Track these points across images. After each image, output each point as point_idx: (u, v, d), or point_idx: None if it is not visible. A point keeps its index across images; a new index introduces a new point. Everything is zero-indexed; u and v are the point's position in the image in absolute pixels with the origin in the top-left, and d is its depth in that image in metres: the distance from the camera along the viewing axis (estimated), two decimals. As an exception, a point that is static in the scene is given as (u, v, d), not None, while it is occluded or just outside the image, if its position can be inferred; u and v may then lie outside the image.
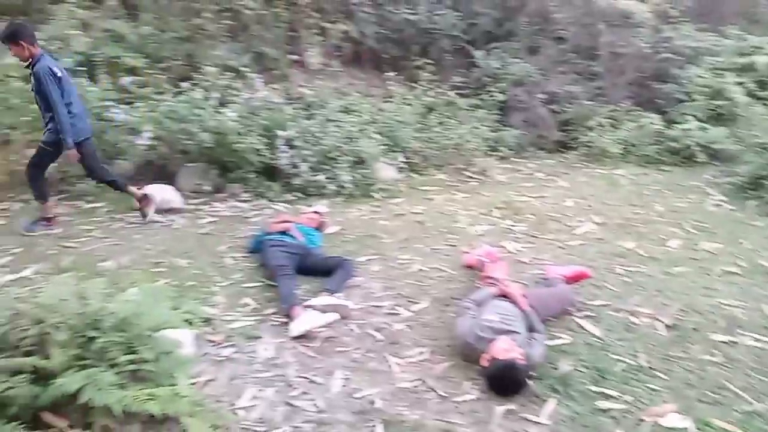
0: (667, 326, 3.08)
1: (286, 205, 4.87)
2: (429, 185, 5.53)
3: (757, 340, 2.96)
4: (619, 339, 2.95)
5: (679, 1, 8.21)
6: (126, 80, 5.54)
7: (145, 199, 4.46)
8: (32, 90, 4.04)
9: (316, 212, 4.27)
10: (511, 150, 6.51)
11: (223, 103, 5.21)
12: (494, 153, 6.33)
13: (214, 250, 3.94)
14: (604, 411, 2.45)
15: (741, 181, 5.41)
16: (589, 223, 4.56)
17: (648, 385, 2.61)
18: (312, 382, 2.62)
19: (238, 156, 4.97)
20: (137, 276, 3.35)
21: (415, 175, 5.71)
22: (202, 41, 6.19)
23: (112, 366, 2.22)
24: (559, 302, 3.16)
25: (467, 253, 3.86)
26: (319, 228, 4.12)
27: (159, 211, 4.57)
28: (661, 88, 7.09)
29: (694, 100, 6.79)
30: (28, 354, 2.16)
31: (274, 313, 3.14)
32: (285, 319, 3.05)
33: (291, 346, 2.87)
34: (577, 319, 3.11)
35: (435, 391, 2.58)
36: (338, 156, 5.18)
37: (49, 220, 4.25)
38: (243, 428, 2.32)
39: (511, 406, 2.47)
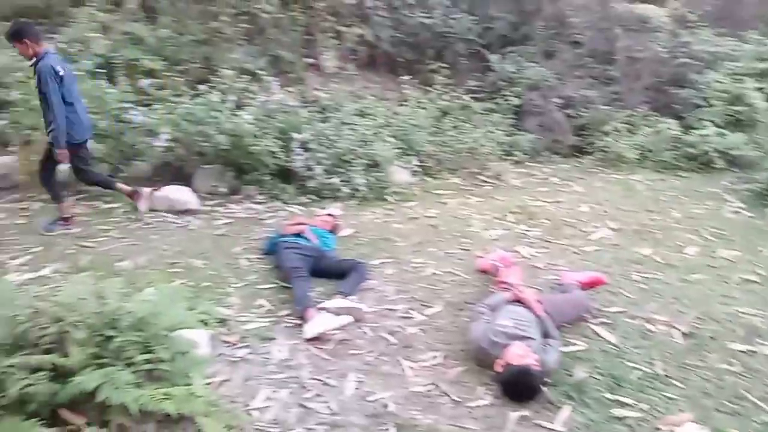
0: (684, 334, 3.05)
1: (300, 207, 4.89)
2: (443, 189, 5.52)
3: (776, 349, 2.92)
4: (635, 346, 2.93)
5: (698, 6, 8.13)
6: (144, 82, 5.61)
7: (135, 194, 4.51)
8: (36, 88, 4.05)
9: (330, 215, 4.29)
10: (525, 154, 6.48)
11: (239, 106, 5.25)
12: (509, 157, 6.31)
13: (229, 251, 3.97)
14: (619, 419, 2.43)
15: (760, 188, 5.33)
16: (604, 228, 4.52)
17: (664, 393, 2.59)
18: (325, 384, 2.63)
19: (253, 158, 5.01)
20: (154, 276, 3.39)
21: (429, 179, 5.70)
22: (219, 44, 6.25)
23: (129, 365, 2.25)
24: (575, 308, 3.14)
25: (481, 257, 3.85)
26: (333, 231, 4.13)
27: (175, 212, 4.62)
28: (679, 93, 7.02)
29: (712, 106, 6.71)
30: (47, 352, 2.20)
31: (288, 315, 3.16)
32: (299, 321, 3.06)
33: (305, 348, 2.88)
34: (593, 326, 3.09)
35: (448, 396, 2.57)
36: (352, 159, 5.20)
37: (67, 219, 4.31)
38: (257, 429, 2.33)
39: (525, 413, 2.45)
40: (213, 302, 3.18)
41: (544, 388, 2.56)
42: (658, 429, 2.37)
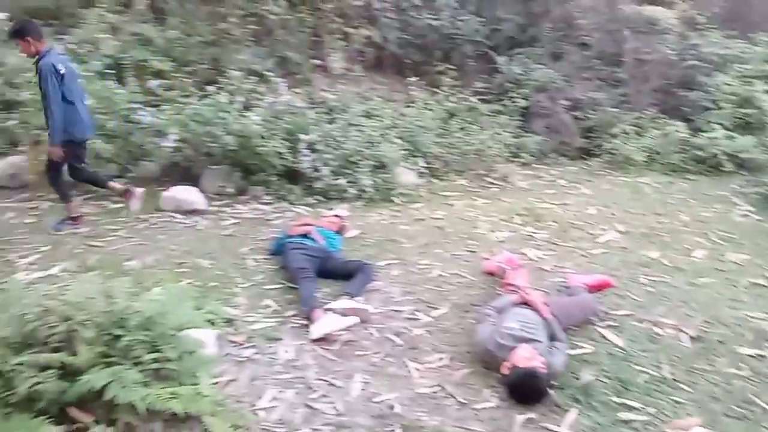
0: (692, 338, 3.03)
1: (307, 208, 4.90)
2: (449, 191, 5.51)
3: (785, 354, 2.90)
4: (642, 350, 2.91)
5: (707, 8, 8.09)
6: (153, 83, 5.63)
7: (127, 193, 4.53)
8: (38, 86, 4.06)
9: (336, 216, 4.29)
10: (532, 156, 6.47)
11: (247, 107, 5.27)
12: (516, 159, 6.30)
13: (236, 251, 3.98)
14: (626, 422, 2.42)
15: (769, 191, 5.30)
16: (612, 231, 4.50)
17: (672, 397, 2.57)
18: (331, 385, 2.63)
19: (260, 159, 5.03)
20: (161, 276, 3.41)
21: (435, 181, 5.70)
22: (227, 45, 6.28)
23: (137, 364, 2.27)
24: (582, 311, 3.13)
25: (487, 259, 3.84)
26: (340, 231, 4.13)
27: (183, 212, 4.65)
28: (687, 96, 6.98)
29: (721, 108, 6.67)
30: (56, 350, 2.21)
31: (294, 316, 3.17)
32: (305, 322, 3.07)
33: (311, 348, 2.89)
34: (600, 329, 3.07)
35: (454, 398, 2.57)
36: (359, 160, 5.20)
37: (75, 219, 4.34)
38: (263, 429, 2.34)
39: (532, 415, 2.45)
40: (220, 302, 3.19)
41: (551, 391, 2.55)
42: (666, 433, 2.36)
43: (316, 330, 2.95)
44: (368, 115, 5.90)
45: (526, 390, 2.52)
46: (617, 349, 2.91)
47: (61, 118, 3.99)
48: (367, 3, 7.10)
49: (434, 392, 2.61)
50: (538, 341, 2.70)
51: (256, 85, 5.64)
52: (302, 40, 6.63)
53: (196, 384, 2.35)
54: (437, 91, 6.65)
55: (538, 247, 4.18)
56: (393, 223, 4.65)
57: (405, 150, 5.57)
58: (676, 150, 6.35)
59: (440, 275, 3.73)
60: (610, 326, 3.11)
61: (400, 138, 5.64)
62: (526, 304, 2.98)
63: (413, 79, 6.84)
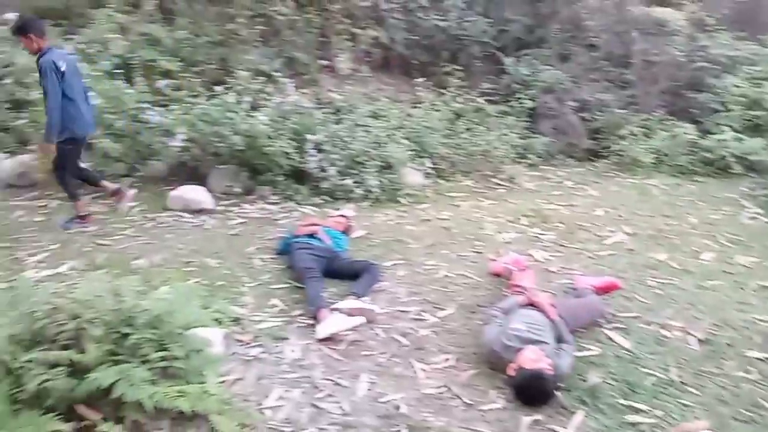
0: (700, 341, 3.02)
1: (313, 208, 4.91)
2: (456, 191, 5.51)
3: (794, 358, 2.88)
4: (649, 352, 2.90)
5: (716, 9, 8.04)
6: (161, 83, 5.66)
7: (118, 193, 4.53)
8: (39, 83, 4.08)
9: (343, 216, 4.30)
10: (539, 157, 6.45)
11: (254, 107, 5.28)
12: (522, 160, 6.28)
13: (243, 251, 3.99)
14: (633, 425, 2.41)
15: (778, 194, 5.26)
16: (619, 233, 4.48)
17: (679, 400, 2.56)
18: (337, 384, 2.63)
19: (268, 159, 5.04)
20: (169, 274, 3.43)
21: (442, 181, 5.69)
22: (235, 46, 6.30)
23: (144, 362, 2.28)
24: (589, 313, 3.12)
25: (494, 260, 3.84)
26: (346, 232, 4.14)
27: (190, 212, 4.67)
28: (696, 98, 6.93)
29: (730, 110, 6.62)
30: (64, 348, 2.23)
31: (301, 315, 3.17)
32: (311, 321, 3.08)
33: (317, 348, 2.90)
34: (607, 331, 3.06)
35: (460, 399, 2.57)
36: (366, 161, 5.21)
37: (83, 218, 4.37)
38: (270, 428, 2.34)
39: (538, 417, 2.44)
40: (227, 301, 3.20)
41: (557, 393, 2.54)
42: (673, 436, 2.34)
43: (323, 330, 2.95)
44: (375, 116, 5.90)
45: (532, 391, 2.52)
46: (624, 351, 2.90)
47: (58, 115, 3.98)
48: (375, 4, 7.10)
49: (440, 393, 2.61)
50: (545, 343, 2.70)
51: (264, 86, 5.66)
52: (310, 40, 6.64)
53: (203, 382, 2.36)
54: (444, 91, 6.64)
55: (545, 249, 4.17)
56: (399, 223, 4.65)
57: (412, 150, 5.57)
58: (684, 152, 6.31)
59: (446, 276, 3.72)
60: (617, 328, 3.10)
61: (406, 138, 5.64)
62: (532, 305, 2.98)
63: (420, 79, 6.83)
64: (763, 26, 8.08)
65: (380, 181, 5.16)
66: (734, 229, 4.64)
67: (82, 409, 2.15)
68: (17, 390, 2.09)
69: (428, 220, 4.73)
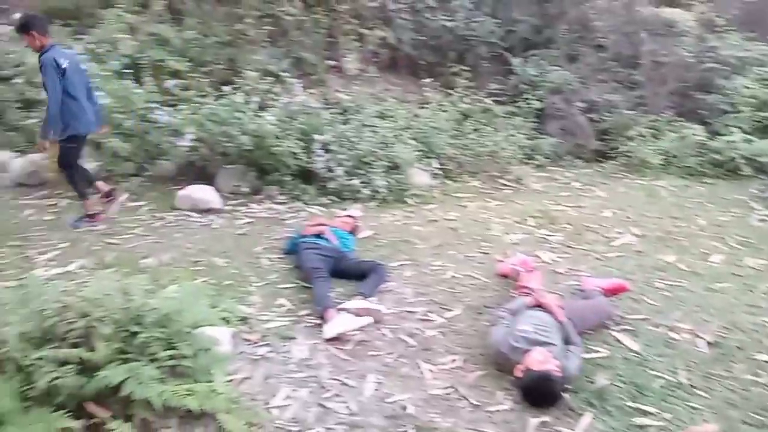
0: (709, 343, 3.00)
1: (320, 208, 4.92)
2: (463, 192, 5.50)
3: (805, 361, 2.85)
4: (658, 354, 2.88)
5: (726, 10, 7.99)
6: (170, 83, 5.69)
7: (110, 195, 4.53)
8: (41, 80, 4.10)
9: (350, 216, 4.30)
10: (547, 158, 6.43)
11: (262, 107, 5.30)
12: (530, 161, 6.27)
13: (250, 250, 4.01)
14: (641, 428, 2.40)
15: (788, 196, 5.22)
16: (627, 234, 4.46)
17: (688, 403, 2.55)
18: (344, 384, 2.64)
19: (275, 159, 5.06)
20: (177, 274, 3.44)
21: (449, 182, 5.69)
22: (243, 46, 6.32)
23: (153, 361, 2.30)
24: (597, 315, 3.11)
25: (501, 261, 3.83)
26: (353, 232, 4.14)
27: (199, 211, 4.69)
28: (705, 99, 6.89)
29: (739, 111, 6.58)
30: (74, 346, 2.24)
31: (308, 315, 3.18)
32: (319, 321, 3.08)
33: (324, 347, 2.90)
34: (615, 333, 3.05)
35: (467, 400, 2.57)
36: (373, 161, 5.21)
37: (92, 216, 4.40)
38: (277, 427, 2.35)
39: (546, 418, 2.44)
40: (235, 300, 3.22)
41: (565, 395, 2.53)
42: (682, 439, 2.33)
43: (330, 329, 2.96)
44: (382, 116, 5.91)
45: (539, 393, 2.51)
46: (633, 353, 2.89)
47: (56, 113, 3.99)
48: (382, 4, 7.11)
49: (447, 394, 2.61)
50: (553, 344, 2.69)
51: (272, 86, 5.68)
52: (317, 41, 6.66)
53: (211, 381, 2.37)
54: (451, 92, 6.64)
55: (553, 250, 4.16)
56: (406, 224, 4.65)
57: (419, 151, 5.57)
58: (693, 153, 6.28)
59: (453, 277, 3.72)
60: (625, 330, 3.09)
61: (413, 139, 5.64)
62: (540, 306, 2.97)
63: (427, 80, 6.83)
64: (773, 27, 8.02)
65: (387, 182, 5.16)
66: (743, 231, 4.61)
67: (91, 407, 2.17)
68: (28, 387, 2.11)
69: (435, 220, 4.73)
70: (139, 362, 2.25)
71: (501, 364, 2.74)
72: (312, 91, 6.16)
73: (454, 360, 2.85)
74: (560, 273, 3.80)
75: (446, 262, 3.93)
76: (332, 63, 6.76)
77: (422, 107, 6.48)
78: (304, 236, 3.83)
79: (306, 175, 5.22)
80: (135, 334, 2.33)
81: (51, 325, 2.30)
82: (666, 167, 6.22)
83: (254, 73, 5.67)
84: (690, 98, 7.02)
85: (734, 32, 7.57)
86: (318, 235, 3.80)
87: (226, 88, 5.39)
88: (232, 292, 3.36)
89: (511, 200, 5.33)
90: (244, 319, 3.08)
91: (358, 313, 3.06)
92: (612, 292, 3.35)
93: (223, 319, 2.96)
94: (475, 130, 6.16)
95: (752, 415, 2.48)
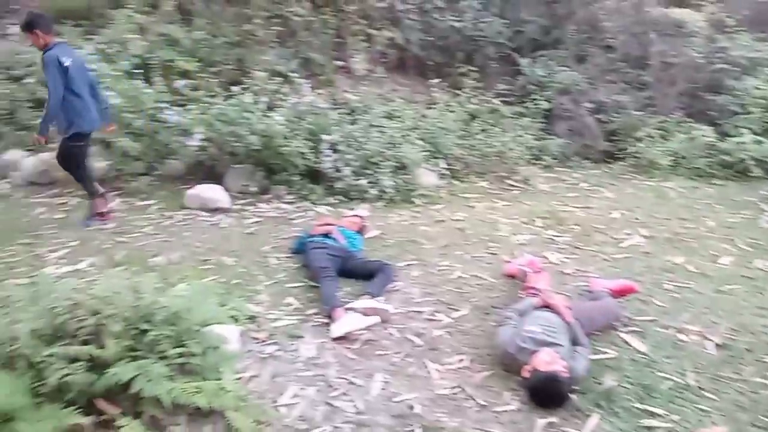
0: (717, 345, 2.98)
1: (328, 208, 4.94)
2: (470, 192, 5.50)
3: (815, 364, 2.83)
4: (666, 356, 2.87)
5: (736, 10, 7.92)
6: (179, 83, 5.73)
7: (101, 198, 4.49)
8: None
9: (357, 216, 4.32)
10: (555, 159, 6.41)
11: (271, 107, 5.33)
12: (538, 162, 6.26)
13: (258, 249, 4.03)
14: (648, 429, 2.39)
15: (799, 198, 5.18)
16: (636, 236, 4.44)
17: (696, 405, 2.53)
18: (351, 383, 2.65)
19: (283, 159, 5.08)
20: (186, 272, 3.47)
21: (456, 182, 5.69)
22: (252, 46, 6.36)
23: (162, 358, 2.31)
24: (604, 316, 3.10)
25: (509, 262, 3.83)
26: (361, 231, 4.15)
27: (207, 210, 4.72)
28: (715, 100, 6.84)
29: (749, 112, 6.53)
30: (85, 343, 2.27)
31: (315, 314, 3.19)
32: (326, 320, 3.09)
33: (331, 346, 2.91)
34: (623, 334, 3.04)
35: (474, 400, 2.57)
36: (381, 161, 5.23)
37: (103, 215, 4.43)
38: (285, 425, 2.36)
39: (553, 419, 2.43)
40: (243, 299, 3.24)
41: (572, 396, 2.53)
42: (690, 441, 2.32)
43: (337, 329, 2.97)
44: (390, 116, 5.92)
45: (547, 394, 2.50)
46: (640, 355, 2.88)
47: (55, 108, 4.02)
48: (390, 5, 7.12)
49: (454, 394, 2.61)
50: (560, 345, 2.68)
51: (280, 86, 5.70)
52: (325, 41, 6.68)
53: (219, 379, 2.39)
54: (459, 92, 6.63)
55: (560, 251, 4.15)
56: (413, 224, 4.65)
57: (426, 151, 5.57)
58: (702, 154, 6.24)
59: (460, 277, 3.72)
60: (633, 332, 3.08)
61: (421, 139, 5.65)
62: (547, 307, 2.96)
63: (435, 80, 6.83)
64: (784, 27, 7.94)
65: (395, 182, 5.18)
66: (753, 233, 4.57)
67: (101, 404, 2.19)
68: (39, 383, 2.13)
69: (442, 220, 4.73)
70: (149, 360, 2.26)
71: (508, 364, 2.74)
72: (320, 91, 6.18)
73: (461, 360, 2.85)
74: (568, 274, 3.79)
75: (453, 262, 3.93)
76: (340, 63, 6.78)
77: (430, 107, 6.48)
78: (312, 236, 3.85)
79: (314, 175, 5.24)
80: (145, 331, 2.35)
81: (62, 323, 2.32)
82: (675, 168, 6.19)
83: (263, 74, 5.70)
84: (699, 99, 6.97)
85: (745, 33, 7.51)
86: (326, 235, 3.82)
87: (235, 89, 5.42)
88: (241, 290, 3.38)
89: (519, 201, 5.33)
90: (252, 318, 3.09)
91: (365, 312, 3.07)
92: (620, 293, 3.34)
93: (232, 317, 2.98)
94: (483, 130, 6.16)
95: (761, 418, 2.46)
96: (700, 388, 2.64)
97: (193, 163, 5.34)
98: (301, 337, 2.97)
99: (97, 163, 5.02)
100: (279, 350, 2.85)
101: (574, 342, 2.77)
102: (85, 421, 2.09)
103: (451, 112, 6.30)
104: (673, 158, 6.25)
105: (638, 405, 2.51)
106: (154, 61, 5.87)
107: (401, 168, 5.31)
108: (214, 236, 4.26)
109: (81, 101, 4.15)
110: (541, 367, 2.53)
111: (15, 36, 6.86)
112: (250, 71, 5.84)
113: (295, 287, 3.50)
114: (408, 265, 3.86)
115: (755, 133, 6.27)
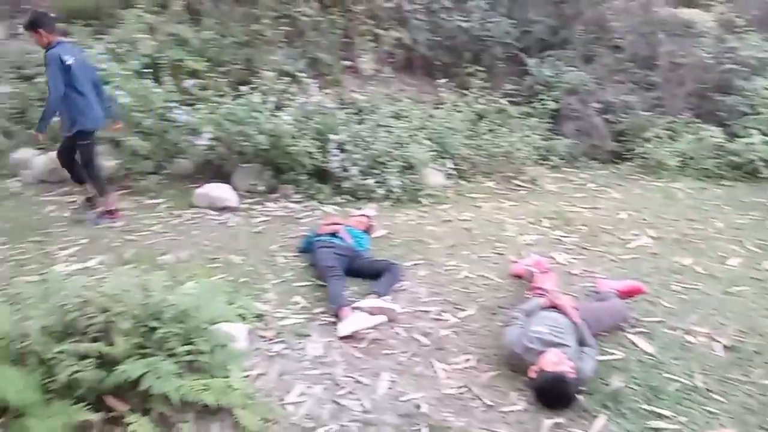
0: (726, 347, 2.97)
1: (335, 207, 4.95)
2: (477, 192, 5.50)
3: (824, 366, 2.81)
4: (673, 358, 2.86)
5: (745, 10, 7.87)
6: (188, 83, 5.76)
7: (90, 201, 4.52)
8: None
9: (364, 215, 4.33)
10: (562, 159, 6.40)
11: (279, 107, 5.35)
12: (545, 162, 6.24)
13: (266, 248, 4.05)
14: (656, 431, 2.39)
15: (809, 200, 5.14)
16: (643, 236, 4.43)
17: (704, 407, 2.52)
18: (358, 382, 2.66)
19: (291, 158, 5.10)
20: (195, 270, 3.49)
21: (463, 182, 5.69)
22: (260, 46, 6.38)
23: (171, 356, 2.34)
24: (612, 317, 3.09)
25: (515, 262, 3.83)
26: (368, 231, 4.17)
27: (215, 209, 4.75)
28: (724, 100, 6.80)
29: (759, 113, 6.48)
30: (94, 340, 2.29)
31: (322, 313, 3.21)
32: (333, 319, 3.11)
33: (338, 345, 2.92)
34: (630, 335, 3.03)
35: (481, 400, 2.57)
36: (388, 161, 5.23)
37: (112, 213, 4.47)
38: (292, 423, 2.37)
39: (560, 420, 2.43)
40: (251, 297, 3.26)
41: (579, 396, 2.53)
42: (697, 443, 2.32)
43: (344, 327, 2.98)
44: (397, 116, 5.93)
45: (553, 394, 2.50)
46: (648, 356, 2.87)
47: (55, 108, 4.06)
48: (398, 5, 7.12)
49: (461, 393, 2.61)
50: (567, 346, 2.68)
51: (288, 86, 5.72)
52: (333, 41, 6.69)
53: (227, 377, 2.41)
54: (466, 92, 6.63)
55: (567, 251, 4.14)
56: (420, 223, 4.66)
57: (433, 151, 5.58)
58: (710, 155, 6.21)
59: (467, 277, 3.72)
60: (640, 333, 3.07)
61: (428, 139, 5.65)
62: (555, 307, 2.96)
63: (442, 80, 6.83)
64: (795, 27, 7.87)
65: (402, 182, 5.18)
66: (762, 234, 4.54)
67: (110, 400, 2.21)
68: (49, 380, 2.16)
69: (449, 220, 4.73)
70: (158, 357, 2.29)
71: (515, 364, 2.74)
72: (328, 91, 6.20)
73: (467, 360, 2.86)
74: (575, 274, 3.78)
75: (460, 262, 3.93)
76: (348, 63, 6.80)
77: (437, 107, 6.48)
78: (319, 235, 3.86)
79: (321, 175, 5.25)
80: (153, 329, 2.37)
81: (72, 320, 2.34)
82: (683, 169, 6.16)
83: (271, 73, 5.72)
84: (708, 100, 6.93)
85: (754, 33, 7.45)
86: (333, 234, 3.83)
87: (243, 88, 5.44)
88: (248, 289, 3.40)
89: (526, 201, 5.32)
90: (259, 316, 3.11)
91: (372, 311, 3.08)
92: (627, 294, 3.33)
93: (240, 315, 3.00)
94: (490, 130, 6.16)
95: (770, 420, 2.45)
96: (707, 389, 2.63)
97: (202, 162, 5.36)
98: (308, 335, 2.99)
99: (107, 162, 5.06)
100: (286, 348, 2.87)
101: (581, 343, 2.77)
102: (95, 417, 2.11)
103: (459, 112, 6.30)
104: (682, 159, 6.22)
105: (645, 406, 2.51)
106: (163, 60, 5.90)
107: (408, 168, 5.31)
108: (222, 235, 4.28)
109: (84, 99, 4.18)
110: (548, 367, 2.53)
111: (25, 36, 6.90)
112: (259, 71, 5.86)
113: (302, 286, 3.52)
114: (415, 264, 3.87)
115: (764, 134, 6.23)
